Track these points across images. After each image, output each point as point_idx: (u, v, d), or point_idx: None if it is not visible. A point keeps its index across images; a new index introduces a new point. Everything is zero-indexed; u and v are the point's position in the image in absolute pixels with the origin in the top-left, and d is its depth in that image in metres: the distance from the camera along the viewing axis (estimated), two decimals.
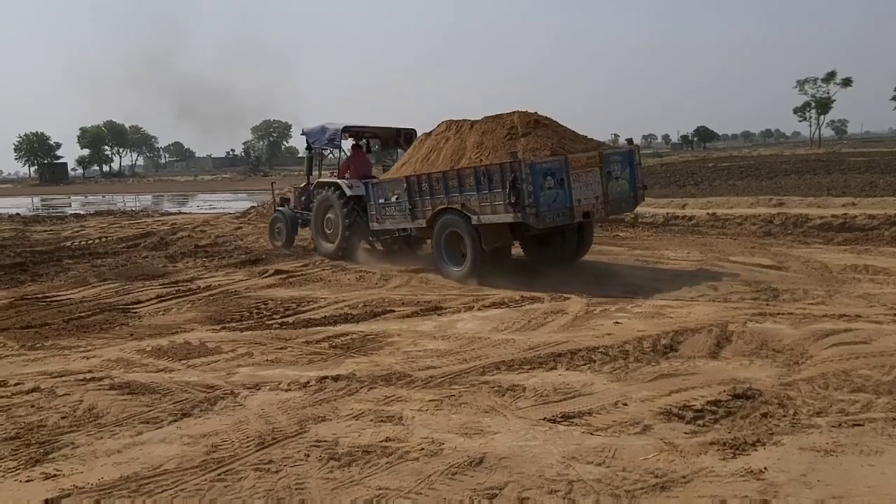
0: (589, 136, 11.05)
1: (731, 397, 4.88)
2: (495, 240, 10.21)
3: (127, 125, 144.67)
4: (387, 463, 4.07)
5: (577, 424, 4.55)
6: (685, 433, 4.35)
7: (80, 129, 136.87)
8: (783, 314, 7.24)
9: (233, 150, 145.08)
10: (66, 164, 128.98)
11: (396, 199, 11.56)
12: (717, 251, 11.88)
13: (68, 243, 17.88)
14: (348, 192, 13.02)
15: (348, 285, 10.52)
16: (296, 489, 3.78)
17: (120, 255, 14.71)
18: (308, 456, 4.20)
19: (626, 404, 4.88)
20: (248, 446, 4.40)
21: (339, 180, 13.58)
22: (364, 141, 14.90)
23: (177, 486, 3.88)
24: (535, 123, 10.59)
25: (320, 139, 14.63)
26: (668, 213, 16.45)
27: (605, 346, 6.36)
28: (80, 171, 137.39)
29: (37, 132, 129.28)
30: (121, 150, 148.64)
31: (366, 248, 13.42)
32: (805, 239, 12.90)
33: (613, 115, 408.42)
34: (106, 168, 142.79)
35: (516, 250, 11.79)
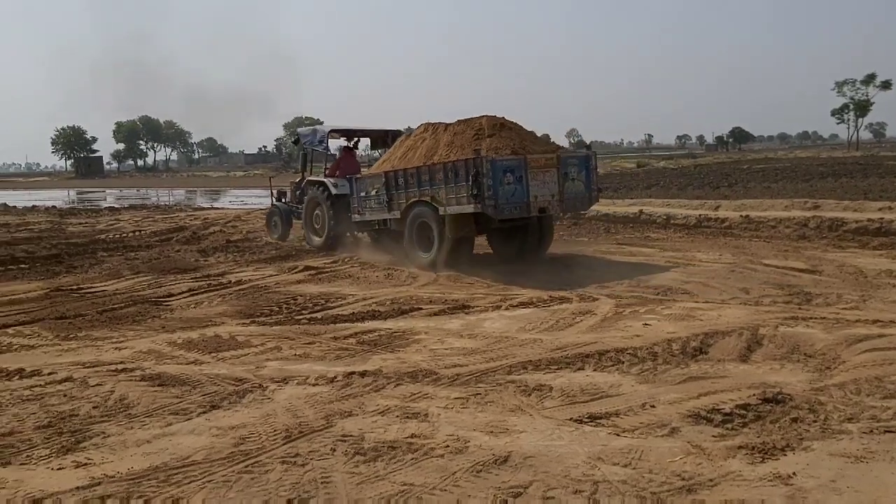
0: (552, 140, 11.77)
1: (760, 401, 4.82)
2: (460, 230, 11.25)
3: (162, 120, 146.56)
4: (412, 459, 4.08)
5: (603, 425, 4.53)
6: (713, 436, 4.30)
7: (116, 123, 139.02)
8: (816, 318, 7.13)
9: (265, 147, 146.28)
10: (101, 157, 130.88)
11: (376, 192, 12.69)
12: (750, 254, 11.74)
13: (103, 236, 18.17)
14: (333, 191, 14.16)
15: (376, 282, 10.56)
16: (321, 483, 3.81)
17: (153, 249, 14.92)
18: (334, 450, 4.23)
19: (653, 406, 4.84)
20: (275, 439, 4.44)
21: (325, 179, 14.73)
22: (355, 140, 16.07)
23: (204, 476, 3.92)
24: (501, 126, 11.73)
25: (311, 140, 15.84)
26: (700, 215, 16.31)
27: (633, 347, 6.31)
28: (115, 165, 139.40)
29: (73, 126, 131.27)
30: (155, 144, 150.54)
31: (352, 240, 14.52)
32: (840, 243, 12.69)
33: (647, 116, 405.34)
34: (140, 162, 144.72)
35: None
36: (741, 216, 15.53)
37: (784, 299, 8.23)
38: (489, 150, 10.89)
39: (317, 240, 14.73)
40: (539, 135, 12.74)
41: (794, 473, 3.75)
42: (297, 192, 16.28)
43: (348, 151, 15.72)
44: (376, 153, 17.02)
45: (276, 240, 16.13)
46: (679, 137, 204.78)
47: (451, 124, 12.30)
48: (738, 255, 11.58)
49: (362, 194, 13.10)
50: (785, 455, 3.99)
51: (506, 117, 12.15)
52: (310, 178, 15.77)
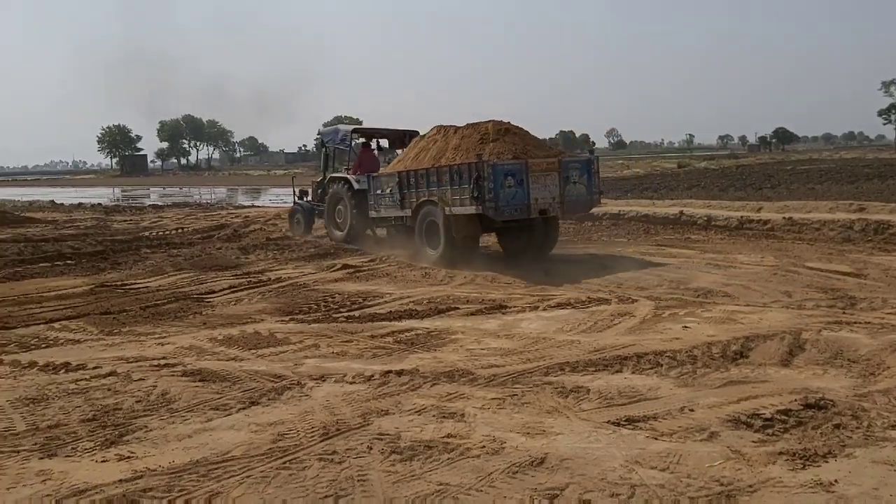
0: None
1: (802, 407, 4.74)
2: (465, 230, 11.84)
3: (204, 119, 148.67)
4: (448, 459, 4.09)
5: (641, 428, 4.49)
6: (753, 442, 4.25)
7: (160, 122, 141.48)
8: (860, 323, 6.99)
9: (304, 146, 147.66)
10: (145, 156, 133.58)
11: (390, 190, 13.38)
12: (793, 256, 11.54)
13: (146, 233, 18.52)
14: (356, 186, 14.79)
15: (414, 281, 10.60)
16: (358, 481, 3.83)
17: (195, 246, 15.14)
18: (371, 448, 4.25)
19: (692, 410, 4.79)
20: (312, 436, 4.47)
21: (348, 175, 15.39)
22: (375, 141, 16.93)
23: (244, 472, 3.97)
24: (506, 131, 12.38)
25: (334, 139, 16.72)
26: (742, 217, 16.06)
27: (672, 350, 6.25)
28: (158, 163, 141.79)
29: (119, 125, 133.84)
30: (198, 143, 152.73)
31: (371, 235, 15.21)
32: (886, 246, 12.40)
33: (689, 116, 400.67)
34: (183, 161, 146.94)
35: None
36: (784, 218, 15.27)
37: (827, 303, 8.08)
38: (492, 155, 11.55)
39: (338, 234, 15.37)
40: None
41: (835, 481, 3.69)
42: (319, 191, 16.97)
43: (367, 149, 16.42)
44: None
45: (298, 237, 16.71)
46: (721, 138, 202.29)
47: (460, 128, 13.00)
48: (780, 258, 11.40)
49: (378, 192, 13.79)
50: (827, 462, 3.92)
51: (511, 122, 12.79)
52: (333, 174, 16.43)
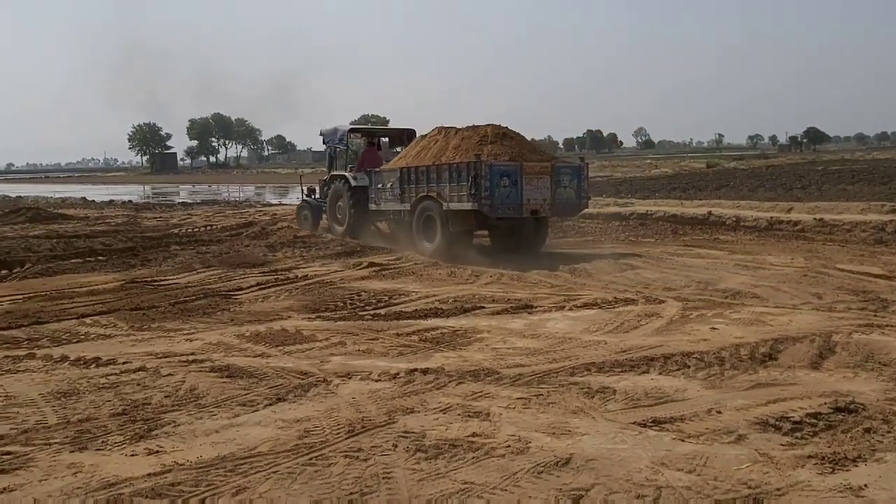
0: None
1: (832, 410, 4.68)
2: (460, 225, 12.60)
3: (233, 118, 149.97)
4: (473, 458, 4.09)
5: (668, 430, 4.46)
6: (782, 445, 4.20)
7: (189, 120, 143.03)
8: (892, 326, 6.89)
9: None
10: (175, 154, 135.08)
11: (391, 185, 14.18)
12: (824, 258, 11.40)
13: (176, 230, 18.71)
14: (353, 183, 15.67)
15: (439, 280, 10.61)
16: (383, 478, 3.84)
17: (223, 244, 15.26)
18: (396, 446, 4.26)
19: (720, 412, 4.75)
20: (338, 433, 4.49)
21: (346, 173, 16.24)
22: (376, 139, 17.80)
23: (270, 468, 4.00)
24: (503, 135, 13.27)
25: (332, 139, 17.54)
26: (771, 217, 15.89)
27: (700, 351, 6.20)
28: (188, 161, 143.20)
29: (149, 123, 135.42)
30: (226, 141, 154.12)
31: (373, 228, 16.02)
32: None
33: (718, 115, 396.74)
34: (212, 159, 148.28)
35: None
36: (815, 219, 15.08)
37: (859, 305, 7.98)
38: (490, 156, 12.29)
39: (339, 228, 16.15)
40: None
41: (865, 485, 3.64)
42: (325, 189, 17.62)
43: (371, 147, 17.18)
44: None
45: (307, 232, 17.21)
46: (751, 137, 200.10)
47: (460, 129, 13.83)
48: (810, 259, 11.26)
49: (379, 186, 14.63)
50: (856, 466, 3.87)
51: (509, 127, 13.77)
52: (333, 172, 17.20)
